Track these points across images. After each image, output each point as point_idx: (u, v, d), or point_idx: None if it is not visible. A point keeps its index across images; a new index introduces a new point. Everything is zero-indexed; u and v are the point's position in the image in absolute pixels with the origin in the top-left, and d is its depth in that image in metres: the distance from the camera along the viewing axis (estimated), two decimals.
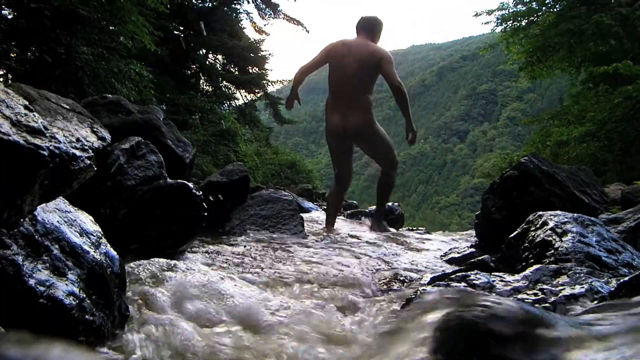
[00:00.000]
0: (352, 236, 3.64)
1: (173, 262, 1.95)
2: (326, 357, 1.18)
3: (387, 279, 2.09)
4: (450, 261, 2.66)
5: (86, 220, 1.28)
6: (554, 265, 1.54)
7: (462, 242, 3.79)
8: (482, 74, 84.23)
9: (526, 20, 11.05)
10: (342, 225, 4.61)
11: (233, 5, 15.56)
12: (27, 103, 1.01)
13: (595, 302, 1.22)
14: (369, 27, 4.05)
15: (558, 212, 2.07)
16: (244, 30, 16.32)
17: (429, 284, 1.73)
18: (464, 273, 1.58)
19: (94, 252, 1.18)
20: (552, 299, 1.29)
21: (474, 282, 1.46)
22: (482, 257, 2.23)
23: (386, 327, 1.43)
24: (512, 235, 2.13)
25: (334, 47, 3.98)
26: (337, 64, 3.92)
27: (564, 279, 1.40)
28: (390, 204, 5.55)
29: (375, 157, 4.12)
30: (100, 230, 1.31)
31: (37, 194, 0.96)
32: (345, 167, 4.11)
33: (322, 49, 4.07)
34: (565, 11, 9.82)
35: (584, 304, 1.25)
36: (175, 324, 1.27)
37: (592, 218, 2.07)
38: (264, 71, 16.44)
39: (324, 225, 4.13)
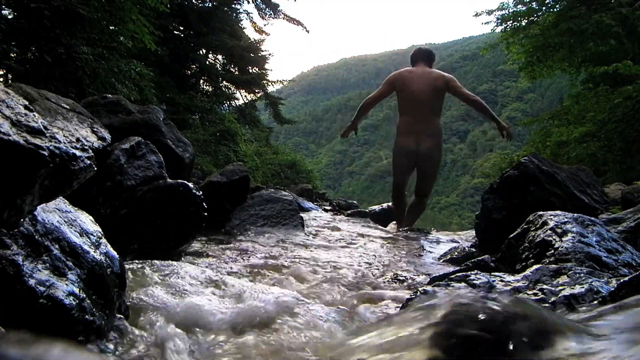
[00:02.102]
0: (352, 236, 3.64)
1: (173, 262, 1.95)
2: (323, 356, 1.18)
3: (387, 279, 2.09)
4: (450, 261, 2.66)
5: (86, 220, 1.28)
6: (554, 265, 1.54)
7: (462, 242, 3.79)
8: (482, 74, 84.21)
9: (526, 20, 11.04)
10: (343, 225, 4.61)
11: (233, 5, 15.57)
12: (27, 103, 1.01)
13: (596, 302, 1.22)
14: (428, 58, 4.58)
15: (558, 212, 2.07)
16: (244, 30, 16.34)
17: (428, 284, 1.73)
18: (464, 273, 1.58)
19: (94, 252, 1.18)
20: (552, 299, 1.29)
21: (474, 282, 1.46)
22: (482, 257, 2.22)
23: (385, 327, 1.43)
24: (512, 235, 2.13)
25: (400, 76, 4.44)
26: (408, 90, 4.33)
27: (564, 279, 1.40)
28: (390, 204, 5.55)
29: (425, 179, 4.49)
30: (100, 230, 1.31)
31: (37, 194, 0.96)
32: (406, 181, 4.57)
33: (385, 80, 4.53)
34: (565, 11, 9.81)
35: (584, 304, 1.24)
36: (175, 324, 1.27)
37: (592, 218, 2.07)
38: (264, 71, 16.45)
39: (396, 224, 4.50)
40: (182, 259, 2.24)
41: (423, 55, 4.59)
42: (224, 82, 15.68)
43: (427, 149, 4.30)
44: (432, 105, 4.31)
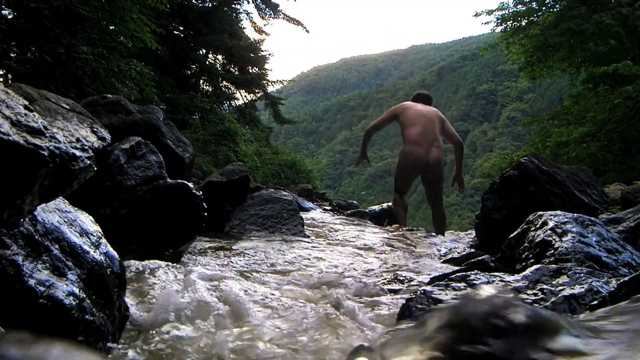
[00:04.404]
0: (352, 236, 3.64)
1: (173, 262, 1.95)
2: (325, 358, 1.18)
3: (387, 279, 2.09)
4: (450, 261, 2.66)
5: (86, 220, 1.28)
6: (554, 265, 1.54)
7: (462, 242, 3.79)
8: (482, 74, 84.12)
9: (526, 20, 11.03)
10: (343, 225, 4.61)
11: (233, 5, 15.55)
12: (27, 103, 1.01)
13: (596, 302, 1.22)
14: (427, 99, 5.14)
15: (558, 212, 2.07)
16: (244, 30, 16.31)
17: (428, 284, 1.73)
18: (464, 273, 1.58)
19: (94, 252, 1.18)
20: (552, 299, 1.29)
21: (474, 282, 1.46)
22: (482, 257, 2.23)
23: (386, 327, 1.43)
24: (512, 235, 2.13)
25: (404, 104, 4.95)
26: (415, 114, 4.77)
27: (564, 279, 1.40)
28: (390, 204, 5.56)
29: (435, 189, 4.86)
30: (100, 230, 1.31)
31: (37, 194, 0.95)
32: (409, 188, 4.97)
33: (389, 110, 5.07)
34: (565, 11, 9.80)
35: (584, 304, 1.24)
36: (175, 324, 1.27)
37: (592, 218, 2.07)
38: (264, 71, 16.42)
39: (399, 226, 4.59)
40: (182, 259, 2.24)
41: (423, 97, 5.14)
42: (224, 82, 15.65)
43: (435, 158, 4.64)
44: (436, 127, 4.74)
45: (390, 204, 5.64)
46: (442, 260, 2.73)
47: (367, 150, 5.13)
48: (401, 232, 4.21)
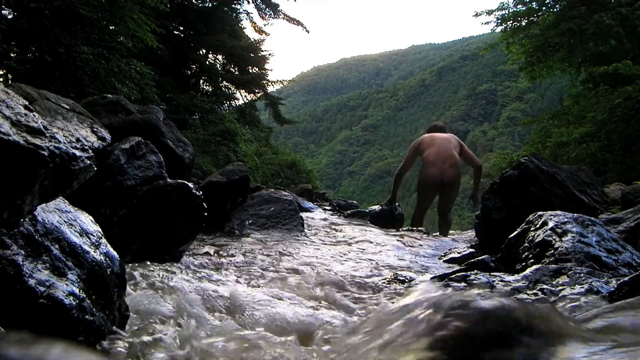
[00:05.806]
0: (352, 236, 3.64)
1: (172, 262, 1.95)
2: (324, 357, 1.18)
3: (387, 279, 2.09)
4: (450, 261, 2.66)
5: (86, 220, 1.28)
6: (554, 265, 1.54)
7: (462, 242, 3.79)
8: (482, 74, 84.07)
9: (526, 20, 11.04)
10: (343, 225, 4.61)
11: (233, 5, 15.55)
12: (27, 103, 1.01)
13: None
14: (442, 129, 5.57)
15: (558, 212, 2.07)
16: (244, 30, 16.32)
17: None
18: (464, 273, 1.58)
19: (94, 252, 1.18)
20: (552, 299, 1.29)
21: (474, 282, 1.46)
22: (482, 257, 2.22)
23: (385, 326, 1.43)
24: (512, 235, 2.13)
25: (423, 136, 5.36)
26: (431, 138, 5.17)
27: (564, 279, 1.40)
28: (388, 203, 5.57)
29: (447, 203, 5.22)
30: (100, 230, 1.31)
31: (37, 194, 0.95)
32: (431, 202, 5.39)
33: (410, 148, 5.44)
34: (565, 11, 9.81)
35: (584, 304, 1.24)
36: (175, 324, 1.27)
37: (592, 218, 2.07)
38: (264, 71, 16.44)
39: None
40: (182, 259, 2.24)
41: (438, 128, 5.57)
42: (224, 82, 15.65)
43: (450, 177, 4.95)
44: (452, 144, 5.08)
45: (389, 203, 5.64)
46: (442, 260, 2.73)
47: (397, 193, 5.44)
48: (398, 232, 4.22)
